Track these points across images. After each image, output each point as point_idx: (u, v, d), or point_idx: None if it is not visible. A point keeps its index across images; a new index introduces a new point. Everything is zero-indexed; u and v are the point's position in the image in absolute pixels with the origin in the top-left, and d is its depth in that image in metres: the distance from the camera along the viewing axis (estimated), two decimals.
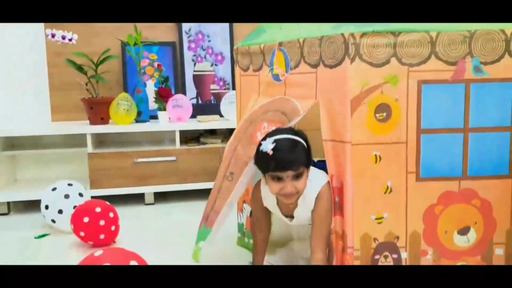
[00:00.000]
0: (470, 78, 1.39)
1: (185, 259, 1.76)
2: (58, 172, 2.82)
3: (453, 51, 1.38)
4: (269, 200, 1.58)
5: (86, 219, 1.94)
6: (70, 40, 2.41)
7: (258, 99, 1.73)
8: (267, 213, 1.63)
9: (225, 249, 1.92)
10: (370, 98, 1.38)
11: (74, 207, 2.10)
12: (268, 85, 1.69)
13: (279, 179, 1.42)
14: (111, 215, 1.99)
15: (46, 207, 2.15)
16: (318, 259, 1.44)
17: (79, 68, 2.62)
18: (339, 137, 1.42)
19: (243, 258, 1.84)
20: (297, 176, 1.42)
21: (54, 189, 2.17)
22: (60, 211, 2.12)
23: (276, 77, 1.64)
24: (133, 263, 1.16)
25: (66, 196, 2.14)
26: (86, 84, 2.65)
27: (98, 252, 1.19)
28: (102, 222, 1.95)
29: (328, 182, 1.48)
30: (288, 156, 1.39)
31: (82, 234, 1.96)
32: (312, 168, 1.49)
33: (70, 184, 2.21)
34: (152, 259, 1.41)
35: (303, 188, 1.45)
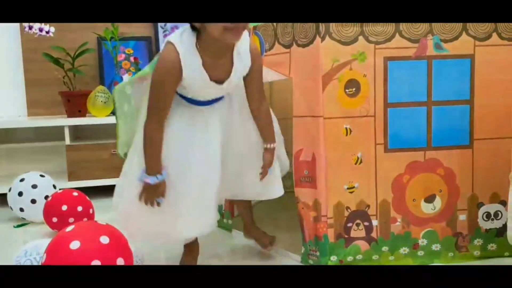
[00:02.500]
0: (431, 54, 1.49)
1: (163, 252, 1.80)
2: (35, 166, 2.82)
3: (415, 29, 1.48)
4: (193, 61, 1.31)
5: (64, 207, 1.95)
6: (47, 32, 2.44)
7: None
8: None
9: None
10: (340, 74, 1.47)
11: (46, 197, 2.13)
12: None
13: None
14: (87, 204, 2.02)
15: (13, 197, 2.16)
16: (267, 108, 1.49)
17: (56, 61, 2.64)
18: (311, 112, 1.50)
19: (221, 238, 1.91)
20: None
21: (22, 179, 2.19)
22: (33, 201, 2.13)
23: None
24: (104, 238, 1.15)
25: (34, 186, 2.16)
26: (64, 78, 2.68)
27: (70, 227, 1.18)
28: (79, 208, 1.97)
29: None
30: None
31: (54, 220, 1.97)
32: None
33: (42, 175, 2.23)
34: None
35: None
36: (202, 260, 1.63)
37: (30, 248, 1.45)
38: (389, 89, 1.49)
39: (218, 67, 1.35)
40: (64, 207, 1.95)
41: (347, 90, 1.48)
